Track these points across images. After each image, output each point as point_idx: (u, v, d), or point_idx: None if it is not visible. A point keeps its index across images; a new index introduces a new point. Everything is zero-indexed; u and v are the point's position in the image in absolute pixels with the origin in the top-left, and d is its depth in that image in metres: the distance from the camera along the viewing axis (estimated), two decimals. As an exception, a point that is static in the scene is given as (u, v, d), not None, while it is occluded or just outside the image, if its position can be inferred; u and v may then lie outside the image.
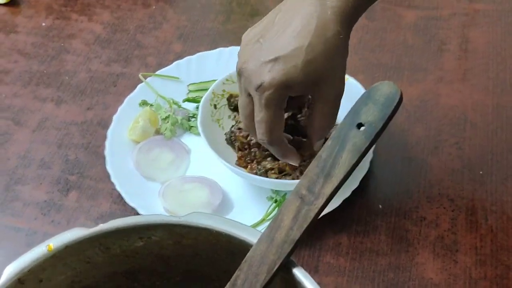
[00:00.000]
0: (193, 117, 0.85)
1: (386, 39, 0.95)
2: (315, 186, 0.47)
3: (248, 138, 0.77)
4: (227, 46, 0.91)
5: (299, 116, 0.75)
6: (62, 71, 0.94)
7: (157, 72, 0.90)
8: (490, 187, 0.77)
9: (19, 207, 0.79)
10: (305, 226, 0.46)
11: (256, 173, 0.75)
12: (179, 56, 0.93)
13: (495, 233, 0.73)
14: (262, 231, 0.48)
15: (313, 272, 0.70)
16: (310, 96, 0.77)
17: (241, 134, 0.77)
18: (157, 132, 0.84)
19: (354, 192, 0.74)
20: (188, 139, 0.84)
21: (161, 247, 0.51)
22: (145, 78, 0.89)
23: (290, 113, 0.75)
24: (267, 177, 0.74)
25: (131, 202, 0.75)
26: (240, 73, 0.66)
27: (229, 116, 0.82)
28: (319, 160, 0.48)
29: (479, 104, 0.86)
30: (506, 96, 0.86)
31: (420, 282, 0.69)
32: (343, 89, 0.66)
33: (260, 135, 0.67)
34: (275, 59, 0.63)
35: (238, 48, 0.88)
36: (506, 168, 0.78)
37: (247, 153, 0.77)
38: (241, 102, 0.68)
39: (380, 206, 0.76)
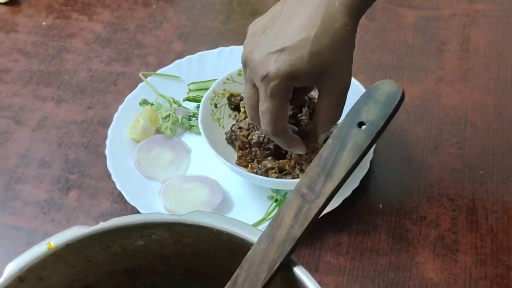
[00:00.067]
0: (193, 116, 0.85)
1: (387, 39, 0.95)
2: (316, 185, 0.47)
3: (249, 138, 0.77)
4: (228, 46, 0.91)
5: (299, 115, 0.75)
6: (63, 70, 0.94)
7: (157, 71, 0.90)
8: (491, 187, 0.77)
9: (19, 206, 0.79)
10: (306, 224, 0.46)
11: (256, 173, 0.75)
12: (180, 56, 0.93)
13: (495, 233, 0.73)
14: (263, 230, 0.48)
15: (313, 271, 0.70)
16: (310, 95, 0.77)
17: (241, 133, 0.77)
18: (158, 131, 0.84)
19: (354, 191, 0.74)
20: (189, 138, 0.84)
21: (161, 245, 0.51)
22: (146, 77, 0.89)
23: (291, 113, 0.75)
24: (267, 176, 0.74)
25: (132, 201, 0.75)
26: (245, 63, 0.66)
27: (230, 116, 0.82)
28: (320, 159, 0.48)
29: (480, 104, 0.86)
30: (507, 96, 0.86)
31: (420, 282, 0.69)
32: (350, 82, 0.66)
33: (264, 125, 0.66)
34: (281, 50, 0.62)
35: (238, 47, 0.90)
36: (507, 168, 0.78)
37: (248, 153, 0.77)
38: (246, 92, 0.68)
39: (381, 206, 0.76)
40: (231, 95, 0.82)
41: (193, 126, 0.84)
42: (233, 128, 0.78)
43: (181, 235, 0.50)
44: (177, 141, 0.83)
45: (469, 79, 0.89)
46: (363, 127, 0.47)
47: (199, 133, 0.78)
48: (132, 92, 0.87)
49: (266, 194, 0.77)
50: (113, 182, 0.78)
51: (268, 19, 0.66)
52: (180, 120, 0.84)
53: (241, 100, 0.81)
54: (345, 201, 0.73)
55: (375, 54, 0.93)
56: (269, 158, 0.75)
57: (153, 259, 0.53)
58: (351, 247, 0.72)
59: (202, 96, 0.81)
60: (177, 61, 0.91)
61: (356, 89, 0.76)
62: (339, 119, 0.68)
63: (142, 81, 0.88)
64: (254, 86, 0.66)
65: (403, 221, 0.74)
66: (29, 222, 0.77)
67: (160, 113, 0.85)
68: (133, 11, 1.03)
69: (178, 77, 0.89)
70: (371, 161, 0.77)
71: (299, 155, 0.73)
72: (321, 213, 0.47)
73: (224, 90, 0.82)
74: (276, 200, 0.76)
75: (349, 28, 0.62)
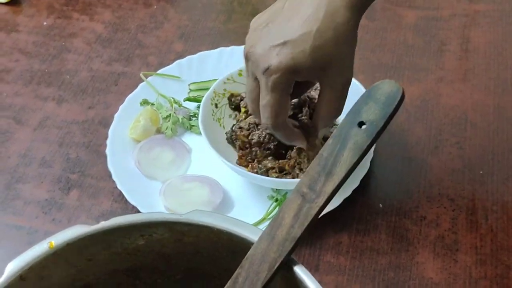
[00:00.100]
0: (194, 116, 0.86)
1: (387, 39, 0.95)
2: (317, 184, 0.47)
3: (249, 138, 0.77)
4: (228, 46, 0.91)
5: (300, 115, 0.75)
6: (63, 70, 0.94)
7: (158, 71, 0.90)
8: (491, 187, 0.77)
9: (20, 205, 0.79)
10: (306, 224, 0.46)
11: (257, 172, 0.75)
12: (180, 56, 0.94)
13: (495, 232, 0.73)
14: (263, 229, 0.48)
15: (313, 270, 0.70)
16: (310, 96, 0.77)
17: (242, 133, 0.77)
18: (158, 131, 0.84)
19: (354, 191, 0.74)
20: (189, 138, 0.84)
21: (162, 245, 0.52)
22: (146, 77, 0.89)
23: (291, 113, 0.75)
24: (267, 176, 0.74)
25: (132, 201, 0.76)
26: (247, 57, 0.66)
27: (230, 115, 0.82)
28: (320, 158, 0.48)
29: (480, 104, 0.86)
30: (507, 96, 0.86)
31: (420, 281, 0.69)
32: (351, 77, 0.65)
33: (265, 119, 0.66)
34: (283, 43, 0.62)
35: (239, 47, 0.90)
36: (507, 168, 0.78)
37: (248, 152, 0.77)
38: (248, 86, 0.68)
39: (381, 205, 0.76)
40: (232, 95, 0.82)
41: (193, 126, 0.84)
42: (233, 128, 0.79)
43: (182, 234, 0.50)
44: (178, 141, 0.83)
45: (469, 79, 0.89)
46: (363, 127, 0.47)
47: (200, 133, 0.78)
48: (133, 92, 0.87)
49: (267, 193, 0.77)
50: (114, 182, 0.78)
51: (270, 14, 0.66)
52: (180, 120, 0.84)
53: (241, 100, 0.82)
54: (345, 200, 0.73)
55: (375, 54, 0.93)
56: (270, 158, 0.76)
57: (154, 258, 0.53)
58: (351, 247, 0.73)
59: (203, 96, 0.81)
60: (177, 61, 0.91)
61: (356, 89, 0.76)
62: (340, 114, 0.67)
63: (143, 81, 0.88)
64: (256, 79, 0.66)
65: (403, 220, 0.75)
66: (30, 221, 0.77)
67: (160, 113, 0.85)
68: (134, 11, 1.03)
69: (179, 77, 0.89)
70: (371, 161, 0.77)
71: (298, 154, 0.74)
72: (321, 212, 0.47)
73: (225, 90, 0.82)
74: (277, 200, 0.76)
75: (351, 23, 0.62)
